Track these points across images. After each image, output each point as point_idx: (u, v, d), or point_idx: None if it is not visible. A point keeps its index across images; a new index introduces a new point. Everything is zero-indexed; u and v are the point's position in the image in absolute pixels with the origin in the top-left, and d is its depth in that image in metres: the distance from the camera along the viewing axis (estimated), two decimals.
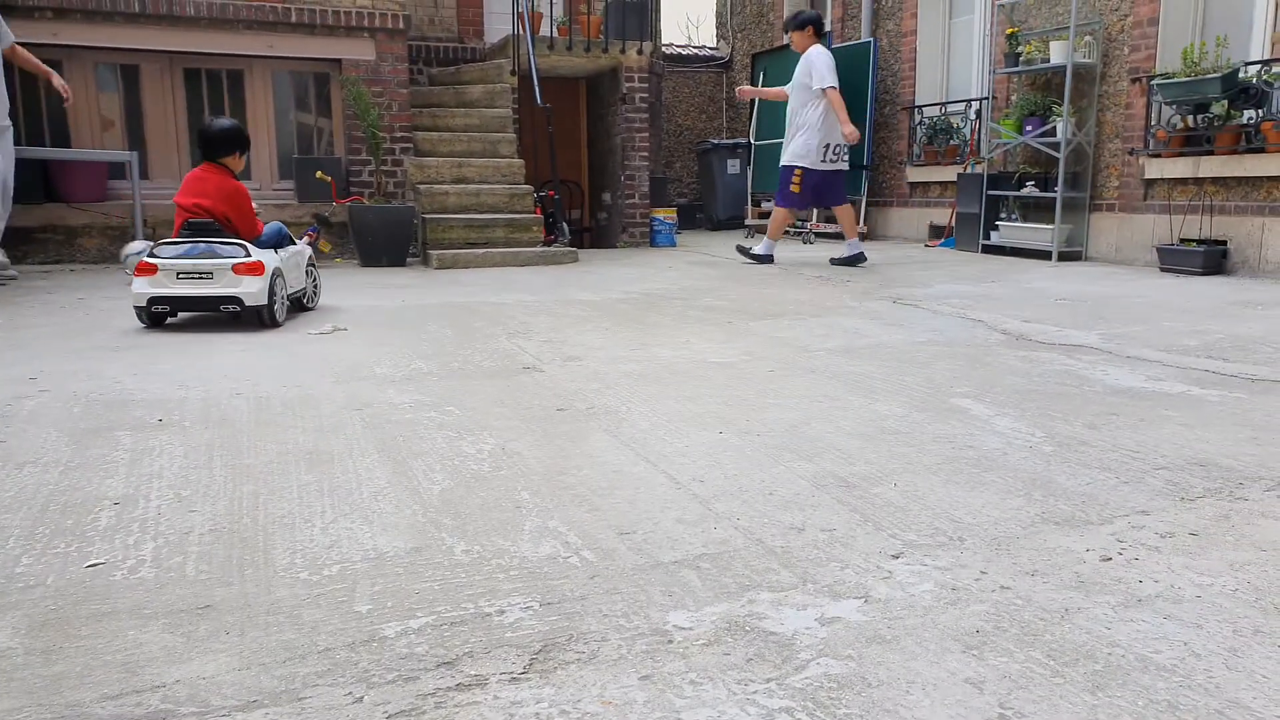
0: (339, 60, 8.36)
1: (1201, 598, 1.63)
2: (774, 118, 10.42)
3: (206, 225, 4.52)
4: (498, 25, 10.03)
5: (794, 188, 7.40)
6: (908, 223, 9.96)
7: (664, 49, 13.46)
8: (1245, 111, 6.29)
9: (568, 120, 10.63)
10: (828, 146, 7.30)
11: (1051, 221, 7.54)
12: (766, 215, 11.43)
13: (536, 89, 8.19)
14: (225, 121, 4.87)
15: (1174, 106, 6.72)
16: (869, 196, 10.18)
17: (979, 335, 4.27)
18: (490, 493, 2.21)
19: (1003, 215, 8.16)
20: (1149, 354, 3.74)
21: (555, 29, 9.35)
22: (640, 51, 9.34)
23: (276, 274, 4.53)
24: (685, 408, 2.99)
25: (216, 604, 1.64)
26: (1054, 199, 7.51)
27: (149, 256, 4.39)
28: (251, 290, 4.35)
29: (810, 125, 7.29)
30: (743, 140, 11.76)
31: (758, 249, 7.69)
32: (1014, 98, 8.27)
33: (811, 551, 1.86)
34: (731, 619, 1.58)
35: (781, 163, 7.53)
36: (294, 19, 8.06)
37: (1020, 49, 7.89)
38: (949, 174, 9.10)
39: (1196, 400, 3.01)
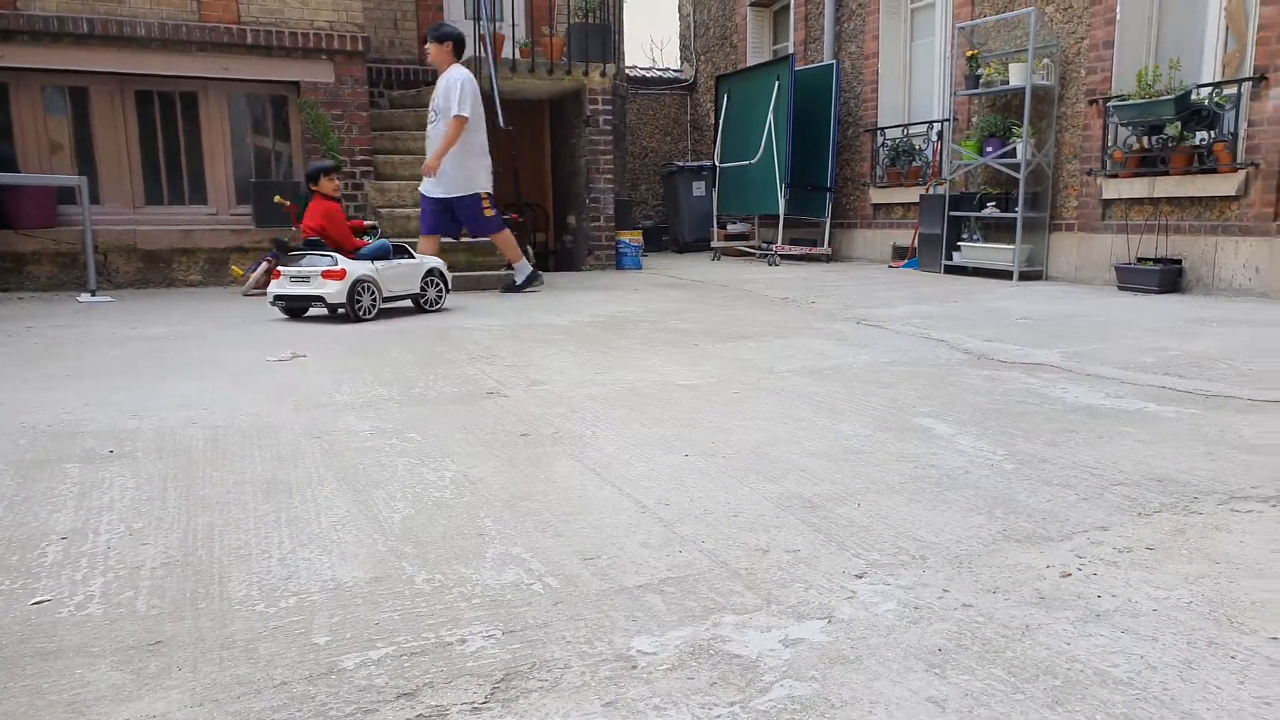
0: (297, 83, 8.31)
1: (1158, 611, 1.65)
2: (740, 140, 10.53)
3: (314, 241, 5.77)
4: None
5: (488, 211, 7.13)
6: (871, 244, 10.06)
7: (628, 71, 13.55)
8: (1198, 133, 6.45)
9: (531, 143, 10.66)
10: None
11: (1012, 241, 7.66)
12: (733, 237, 11.54)
13: (499, 111, 8.20)
14: (317, 161, 6.38)
15: (1130, 128, 6.87)
16: (833, 218, 10.29)
17: (942, 355, 4.31)
18: (452, 520, 2.18)
19: (965, 236, 8.27)
20: (1108, 372, 3.80)
21: (517, 51, 9.39)
22: (603, 74, 9.39)
23: (362, 280, 5.62)
24: (651, 431, 2.98)
25: (168, 639, 1.60)
26: (1014, 219, 7.63)
27: (280, 265, 5.78)
28: (332, 291, 5.52)
29: (480, 150, 7.05)
30: (707, 162, 11.85)
31: (518, 280, 7.41)
32: (975, 119, 8.42)
33: (776, 573, 1.86)
34: (695, 642, 1.57)
35: (466, 192, 7.09)
36: (250, 40, 8.00)
37: (980, 71, 8.03)
38: (912, 195, 9.22)
39: (1153, 417, 3.05)
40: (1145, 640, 1.54)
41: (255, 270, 7.57)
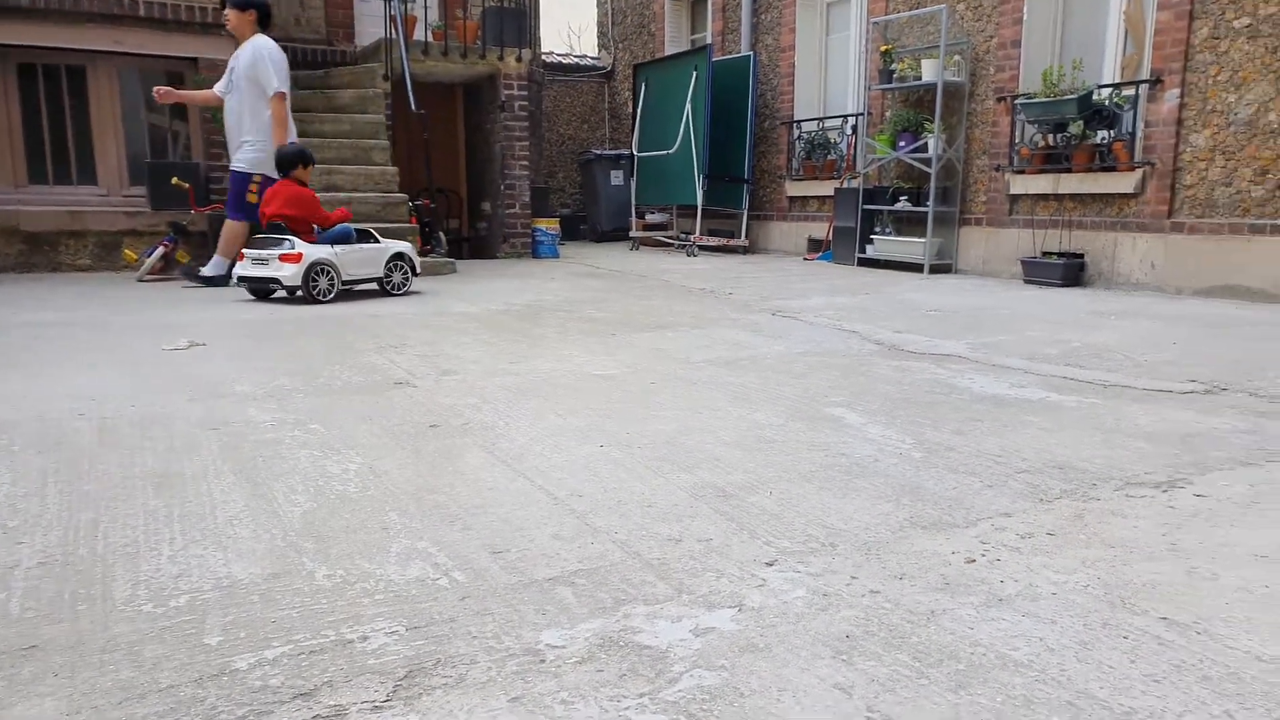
0: (195, 59, 7.94)
1: (1057, 595, 1.69)
2: (658, 130, 10.52)
3: (276, 226, 5.88)
4: (370, 28, 9.73)
5: (251, 197, 6.65)
6: (788, 236, 10.19)
7: (545, 57, 13.42)
8: (1099, 132, 6.69)
9: (445, 128, 10.46)
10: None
11: (924, 235, 7.83)
12: (651, 227, 11.54)
13: (411, 95, 8.01)
14: (289, 147, 6.25)
15: (1036, 125, 7.09)
16: (751, 210, 10.38)
17: (854, 346, 4.38)
18: (356, 514, 2.11)
19: (878, 229, 8.43)
20: (1013, 362, 3.91)
21: (430, 34, 9.18)
22: (519, 59, 9.27)
23: (318, 264, 5.74)
24: (565, 421, 2.95)
25: (44, 644, 1.50)
26: (926, 213, 7.80)
27: (245, 248, 5.95)
28: (288, 274, 5.65)
29: (267, 130, 6.66)
30: (626, 151, 11.82)
31: (207, 270, 6.89)
32: (888, 114, 8.58)
33: (688, 562, 1.84)
34: (606, 635, 1.55)
35: (234, 168, 6.81)
36: (143, 13, 7.60)
37: (894, 66, 8.18)
38: (827, 189, 9.36)
39: (1055, 406, 3.15)
40: (1045, 623, 1.57)
41: (151, 255, 7.25)
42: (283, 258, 5.65)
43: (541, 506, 2.16)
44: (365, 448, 2.64)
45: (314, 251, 5.75)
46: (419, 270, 6.46)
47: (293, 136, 6.74)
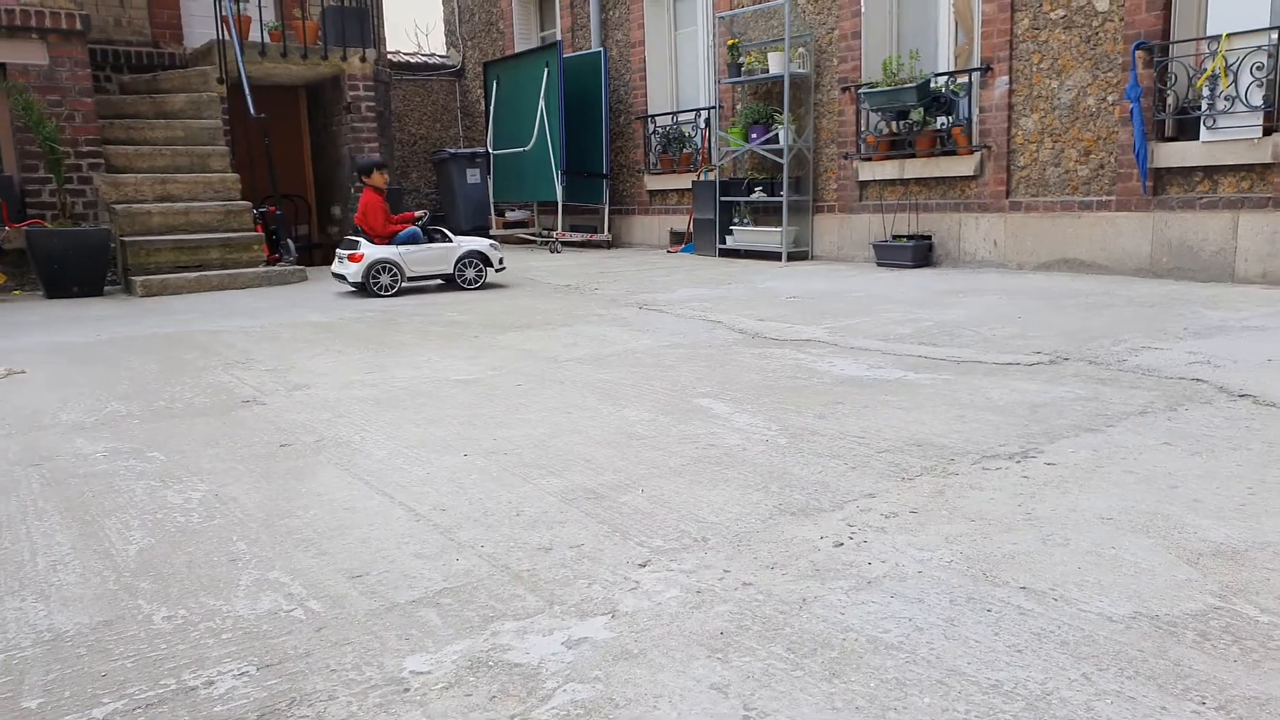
0: (2, 65, 7.32)
1: (922, 573, 1.71)
2: (513, 127, 10.38)
3: (357, 229, 6.60)
4: (199, 29, 9.19)
5: None
6: (649, 230, 10.23)
7: (391, 56, 13.03)
8: (939, 118, 6.98)
9: (289, 131, 10.02)
10: None
11: (780, 224, 8.00)
12: (512, 225, 11.39)
13: (249, 98, 7.63)
14: (365, 156, 6.89)
15: (879, 113, 7.34)
16: (612, 205, 10.37)
17: (719, 336, 4.41)
18: (200, 547, 1.96)
19: (736, 220, 8.57)
20: (870, 344, 4.01)
21: (266, 34, 8.77)
22: (364, 59, 8.97)
23: (380, 262, 6.40)
24: (427, 432, 2.83)
25: None
26: (780, 203, 7.97)
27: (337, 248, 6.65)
28: (351, 271, 6.38)
29: None
30: (481, 149, 11.61)
31: None
32: (739, 107, 8.72)
33: (559, 571, 1.79)
34: (474, 655, 1.48)
35: None
36: None
37: (742, 60, 8.31)
38: (685, 182, 9.44)
39: (912, 385, 3.24)
40: (913, 603, 1.59)
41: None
42: (350, 257, 6.44)
43: (402, 524, 2.06)
44: (210, 473, 2.46)
45: (375, 252, 6.42)
46: (503, 264, 6.85)
47: None
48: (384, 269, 6.42)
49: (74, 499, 2.27)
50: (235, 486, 2.35)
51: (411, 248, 6.57)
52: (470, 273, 6.67)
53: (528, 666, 1.44)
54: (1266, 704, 1.26)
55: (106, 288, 7.08)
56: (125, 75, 8.65)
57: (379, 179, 6.67)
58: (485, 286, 6.70)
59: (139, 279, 6.82)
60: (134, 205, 7.34)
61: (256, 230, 7.71)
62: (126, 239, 7.11)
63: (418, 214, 6.89)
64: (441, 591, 1.71)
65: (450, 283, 6.71)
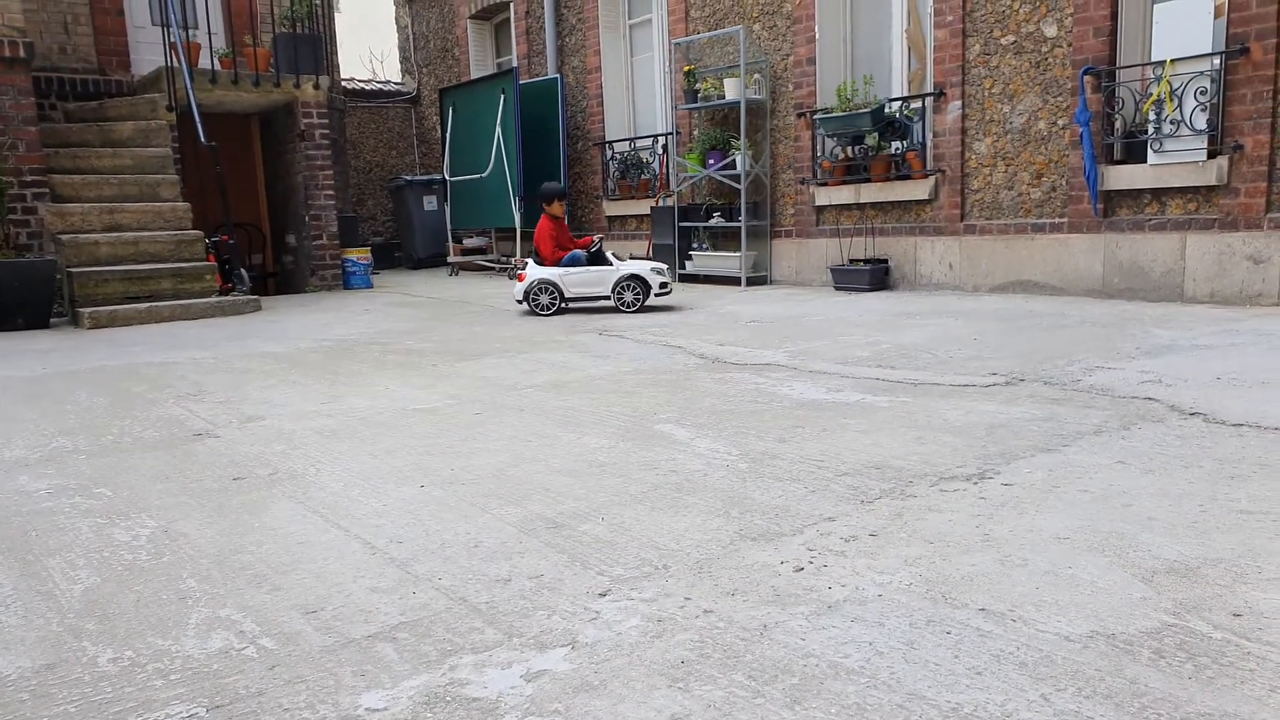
0: None
1: (883, 596, 1.71)
2: (470, 153, 10.37)
3: (534, 251, 7.02)
4: (148, 56, 9.04)
5: None
6: None
7: (345, 84, 12.99)
8: (893, 143, 7.09)
9: (241, 159, 9.91)
10: None
11: (739, 249, 8.06)
12: (470, 252, 11.35)
13: (200, 126, 7.53)
14: (548, 185, 7.24)
15: (835, 139, 7.44)
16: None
17: (679, 361, 4.41)
18: (148, 585, 1.90)
19: (695, 245, 8.61)
20: (829, 367, 4.04)
21: (217, 61, 8.68)
22: (317, 86, 8.90)
23: (540, 283, 6.71)
24: (383, 463, 2.79)
25: None
26: (739, 228, 8.03)
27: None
28: (517, 290, 6.81)
29: None
30: (438, 176, 11.58)
31: None
32: (696, 132, 8.79)
33: (518, 603, 1.76)
34: (431, 691, 1.45)
35: None
36: None
37: (698, 86, 8.39)
38: (643, 207, 9.48)
39: (870, 407, 3.26)
40: (873, 626, 1.59)
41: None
42: (516, 277, 6.88)
43: (358, 557, 2.03)
44: (160, 509, 2.40)
45: (536, 272, 6.76)
46: (665, 289, 6.78)
47: None
48: (544, 289, 6.71)
49: (16, 538, 2.20)
50: (186, 522, 2.29)
51: (572, 270, 6.81)
52: (629, 295, 6.74)
53: (486, 701, 1.41)
54: None
55: (53, 320, 6.91)
56: (71, 103, 8.48)
57: (557, 208, 7.09)
58: (645, 309, 6.72)
59: (87, 311, 6.67)
60: (81, 235, 7.18)
61: (209, 260, 7.59)
62: (73, 270, 6.95)
63: (595, 238, 7.18)
64: (398, 626, 1.68)
65: (614, 304, 6.80)
